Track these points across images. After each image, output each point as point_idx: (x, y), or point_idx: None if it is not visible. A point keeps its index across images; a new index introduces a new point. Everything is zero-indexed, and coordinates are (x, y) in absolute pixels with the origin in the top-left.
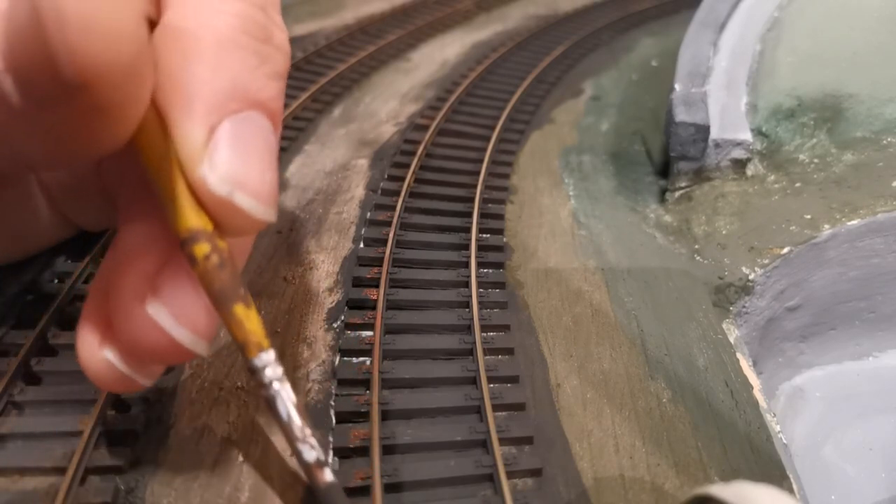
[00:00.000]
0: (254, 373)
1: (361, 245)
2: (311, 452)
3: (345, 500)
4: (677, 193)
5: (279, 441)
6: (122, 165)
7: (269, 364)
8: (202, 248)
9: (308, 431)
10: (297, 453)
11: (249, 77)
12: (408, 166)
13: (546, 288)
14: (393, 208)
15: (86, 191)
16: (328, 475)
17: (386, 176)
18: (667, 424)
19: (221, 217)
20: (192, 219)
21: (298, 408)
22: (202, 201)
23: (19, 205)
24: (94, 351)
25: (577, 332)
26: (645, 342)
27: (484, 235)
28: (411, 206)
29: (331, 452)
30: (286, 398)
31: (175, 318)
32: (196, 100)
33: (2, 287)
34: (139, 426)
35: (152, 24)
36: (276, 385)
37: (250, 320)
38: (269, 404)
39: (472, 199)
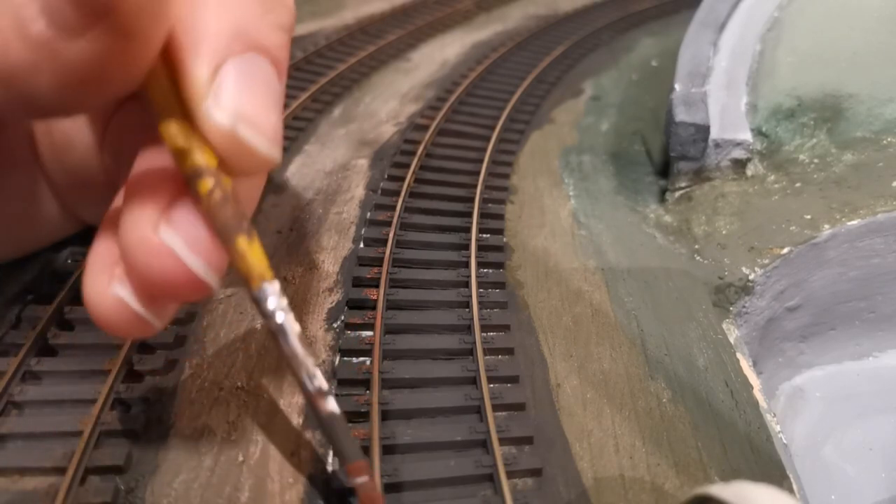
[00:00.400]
0: (257, 304)
1: (361, 245)
2: (312, 382)
3: (346, 428)
4: (677, 193)
5: (279, 441)
6: (124, 145)
7: (272, 295)
8: (205, 184)
9: (310, 361)
10: (299, 383)
11: (254, 23)
12: (408, 166)
13: (546, 288)
14: (393, 208)
15: (90, 181)
16: (330, 404)
17: (386, 176)
18: (667, 424)
19: (226, 152)
20: (196, 156)
21: (301, 338)
22: (207, 137)
23: (24, 196)
24: (104, 289)
25: (577, 332)
26: (645, 342)
27: (484, 235)
28: (411, 206)
29: (331, 452)
30: (289, 329)
31: (188, 245)
32: (201, 41)
33: (2, 287)
34: (139, 426)
35: None
36: (279, 315)
37: (253, 253)
38: (273, 334)
39: (472, 199)
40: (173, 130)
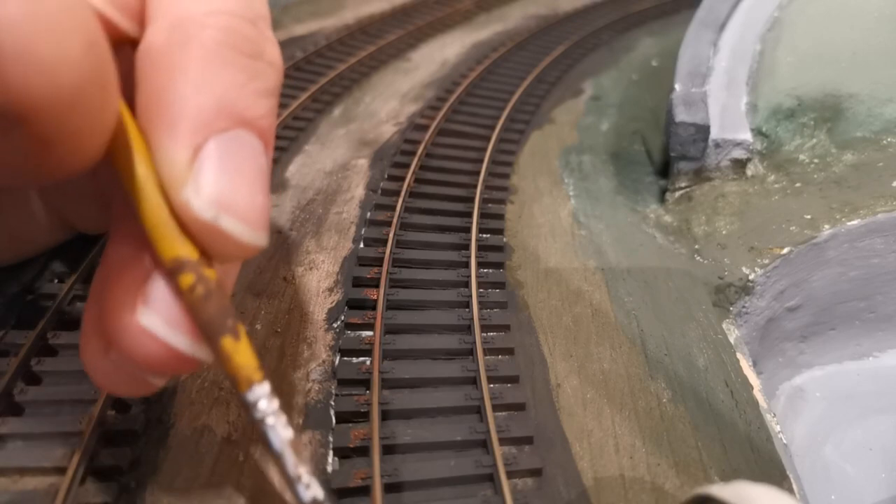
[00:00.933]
0: (245, 407)
1: (361, 245)
2: (306, 492)
3: None
4: (677, 193)
5: None
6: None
7: (262, 398)
8: (187, 279)
9: (303, 469)
10: (292, 492)
11: (237, 94)
12: (408, 166)
13: (546, 288)
14: (393, 208)
15: (82, 194)
16: None
17: (386, 176)
18: (667, 424)
19: (208, 243)
20: (175, 247)
21: (294, 444)
22: (187, 227)
23: (16, 207)
24: (99, 355)
25: (577, 332)
26: (645, 342)
27: (484, 235)
28: (411, 206)
29: (331, 452)
30: (280, 434)
31: (170, 324)
32: (179, 118)
33: (2, 287)
34: (139, 426)
35: (134, 41)
36: (269, 420)
37: (239, 353)
38: (263, 440)
39: (472, 199)
40: (150, 217)
